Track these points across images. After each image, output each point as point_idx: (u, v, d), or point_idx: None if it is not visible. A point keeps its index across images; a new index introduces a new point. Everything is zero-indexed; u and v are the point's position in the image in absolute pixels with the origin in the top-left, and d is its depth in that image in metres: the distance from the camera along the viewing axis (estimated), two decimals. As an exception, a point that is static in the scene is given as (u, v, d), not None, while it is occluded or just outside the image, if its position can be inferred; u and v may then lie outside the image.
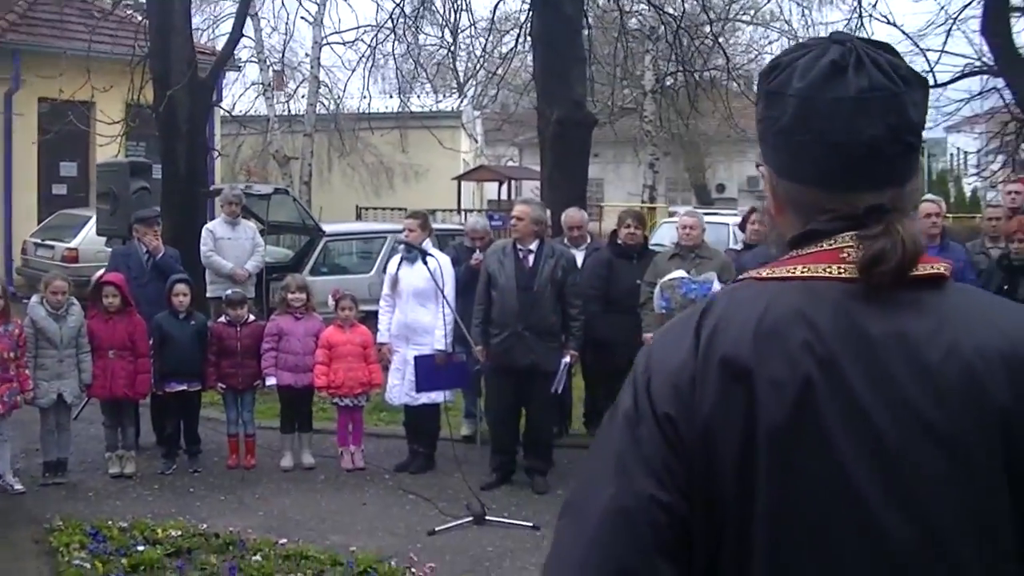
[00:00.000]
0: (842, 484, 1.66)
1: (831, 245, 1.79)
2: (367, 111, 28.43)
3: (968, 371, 1.69)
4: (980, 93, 21.78)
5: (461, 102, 33.42)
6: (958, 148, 61.01)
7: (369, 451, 10.34)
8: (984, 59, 20.04)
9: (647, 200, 33.06)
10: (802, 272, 1.78)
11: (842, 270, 1.76)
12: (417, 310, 9.81)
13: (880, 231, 1.74)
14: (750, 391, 1.70)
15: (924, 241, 1.80)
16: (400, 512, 8.84)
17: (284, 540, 7.74)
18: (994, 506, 1.67)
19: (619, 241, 10.47)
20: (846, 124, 1.76)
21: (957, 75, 20.28)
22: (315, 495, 9.28)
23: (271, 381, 9.95)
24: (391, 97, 30.33)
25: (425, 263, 9.21)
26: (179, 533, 7.74)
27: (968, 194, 40.32)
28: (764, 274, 1.84)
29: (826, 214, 1.81)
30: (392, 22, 20.13)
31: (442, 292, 9.27)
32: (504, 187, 36.64)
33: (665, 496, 1.71)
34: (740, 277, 1.91)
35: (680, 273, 9.62)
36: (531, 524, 8.39)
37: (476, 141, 41.42)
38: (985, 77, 20.92)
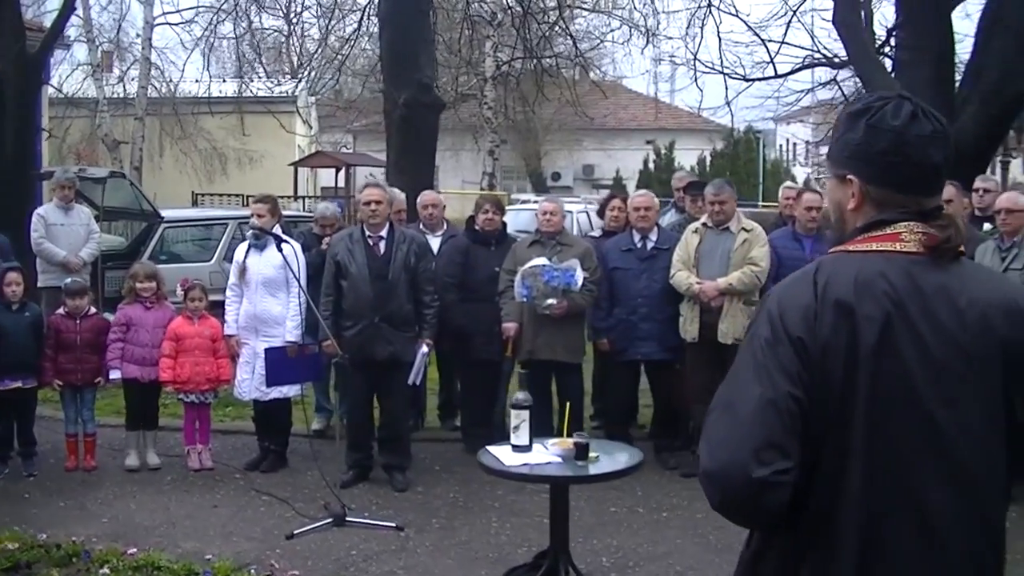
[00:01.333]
0: (909, 385, 2.63)
1: (892, 230, 2.74)
2: (200, 95, 27.65)
3: (982, 313, 2.69)
4: (825, 84, 22.08)
5: (296, 87, 32.79)
6: (787, 138, 62.57)
7: (216, 449, 9.82)
8: (823, 51, 20.31)
9: (486, 188, 32.87)
10: (877, 247, 2.73)
11: (903, 247, 2.72)
12: (267, 300, 9.33)
13: (947, 223, 2.74)
14: (853, 323, 2.63)
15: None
16: (255, 514, 8.36)
17: (133, 549, 7.12)
18: (995, 397, 2.69)
19: (477, 227, 10.14)
20: (923, 152, 2.72)
21: (798, 66, 20.51)
22: (163, 498, 8.73)
23: (115, 375, 9.36)
24: (224, 81, 29.62)
25: (280, 249, 8.71)
26: (15, 545, 7.00)
27: (800, 183, 41.00)
28: (851, 248, 2.77)
29: (896, 209, 2.75)
30: (233, 2, 19.55)
31: (299, 280, 8.81)
32: (341, 174, 36.05)
33: (799, 393, 2.61)
34: (832, 250, 2.82)
35: (542, 260, 9.34)
36: (394, 524, 8.01)
37: (311, 127, 40.70)
38: (821, 69, 21.27)
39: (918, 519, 2.64)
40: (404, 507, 8.54)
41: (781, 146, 64.05)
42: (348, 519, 8.01)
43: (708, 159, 40.98)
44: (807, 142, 45.09)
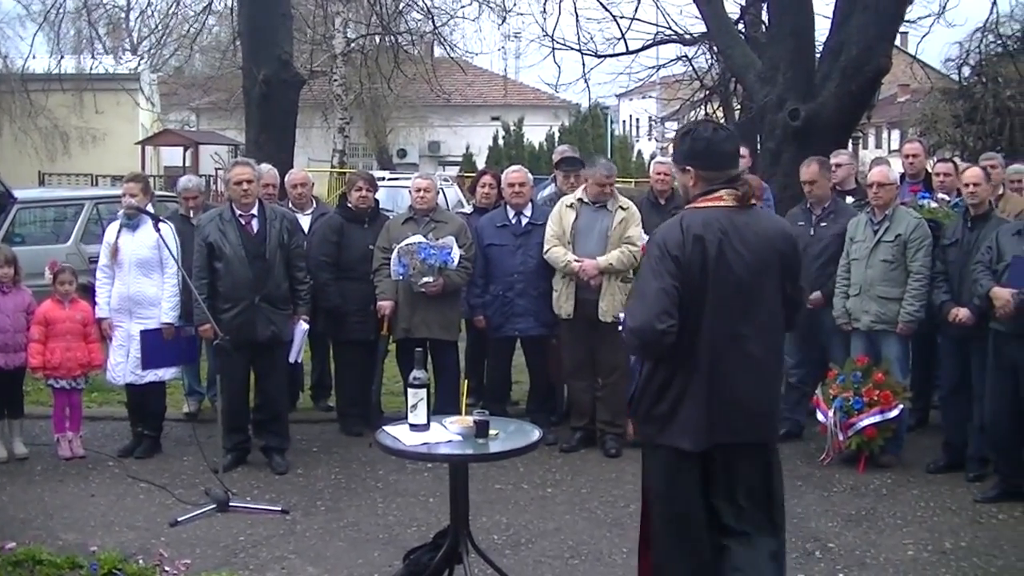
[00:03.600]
0: (736, 278, 4.82)
1: (717, 195, 4.90)
2: (39, 71, 26.76)
3: (769, 237, 4.95)
4: (678, 59, 22.33)
5: (138, 64, 31.97)
6: (631, 114, 63.27)
7: (86, 436, 9.46)
8: (673, 28, 20.56)
9: (337, 165, 32.57)
10: (711, 204, 4.89)
11: (724, 203, 4.88)
12: (141, 281, 9.04)
13: (743, 184, 4.95)
14: (703, 245, 4.78)
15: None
16: (135, 503, 8.10)
17: (11, 543, 6.79)
18: (776, 283, 4.97)
19: (349, 204, 9.98)
20: (723, 147, 4.99)
21: (649, 43, 20.71)
22: (36, 489, 8.38)
23: (-23, 364, 8.96)
24: (63, 58, 28.71)
25: (157, 229, 8.45)
26: None
27: (647, 158, 41.47)
28: (698, 205, 4.92)
29: (714, 182, 4.92)
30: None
31: (177, 261, 8.59)
32: (189, 152, 35.35)
33: (678, 284, 4.77)
34: (687, 207, 5.03)
35: (418, 238, 9.27)
36: (279, 508, 7.85)
37: (153, 105, 39.79)
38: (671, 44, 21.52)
39: (742, 355, 4.86)
40: (286, 490, 8.38)
41: (624, 121, 64.78)
42: (232, 504, 7.84)
43: (557, 135, 41.17)
44: (651, 117, 45.59)
